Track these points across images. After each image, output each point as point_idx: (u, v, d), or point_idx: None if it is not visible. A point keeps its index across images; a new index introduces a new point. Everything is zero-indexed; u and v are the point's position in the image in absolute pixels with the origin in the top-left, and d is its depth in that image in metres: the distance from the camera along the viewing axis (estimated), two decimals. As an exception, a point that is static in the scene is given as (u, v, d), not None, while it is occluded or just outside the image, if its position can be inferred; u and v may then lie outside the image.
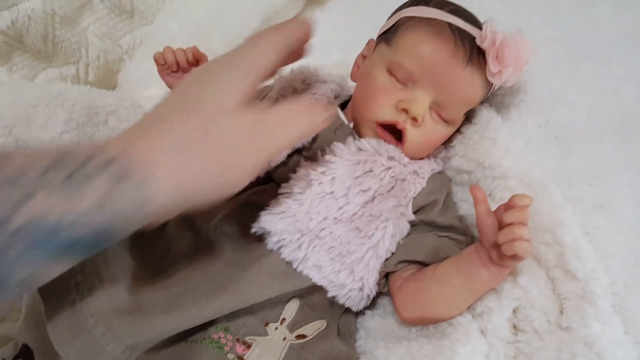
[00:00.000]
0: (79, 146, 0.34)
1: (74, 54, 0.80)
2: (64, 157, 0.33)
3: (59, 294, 0.51)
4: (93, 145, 0.34)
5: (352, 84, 0.71)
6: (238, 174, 0.38)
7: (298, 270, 0.54)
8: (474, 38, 0.57)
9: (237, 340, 0.52)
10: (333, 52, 0.81)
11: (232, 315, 0.53)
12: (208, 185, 0.37)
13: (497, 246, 0.48)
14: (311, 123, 0.42)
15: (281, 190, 0.57)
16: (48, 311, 0.50)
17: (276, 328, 0.54)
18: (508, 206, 0.48)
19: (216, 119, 0.37)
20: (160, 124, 0.37)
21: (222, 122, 0.37)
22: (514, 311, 0.54)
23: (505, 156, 0.58)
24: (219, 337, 0.52)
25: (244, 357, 0.51)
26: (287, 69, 0.69)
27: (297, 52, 0.45)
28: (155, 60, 0.65)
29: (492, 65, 0.56)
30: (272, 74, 0.42)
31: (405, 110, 0.58)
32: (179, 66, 0.64)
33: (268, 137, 0.39)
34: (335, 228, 0.56)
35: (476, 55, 0.57)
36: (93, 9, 0.82)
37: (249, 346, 0.52)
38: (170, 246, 0.59)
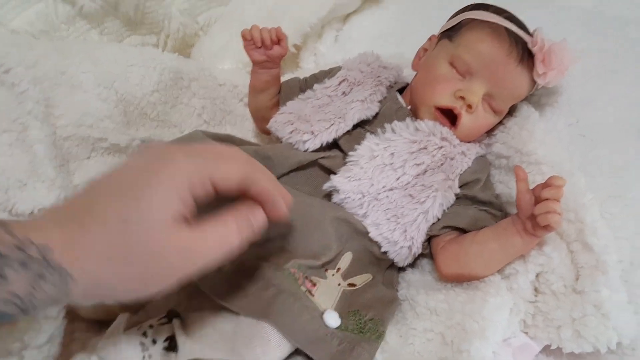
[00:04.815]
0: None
1: (157, 25, 0.89)
2: None
3: None
4: (11, 240, 0.34)
5: (406, 74, 0.80)
6: (157, 286, 0.38)
7: None
8: (526, 42, 0.66)
9: (306, 278, 0.61)
10: (389, 46, 0.90)
11: (302, 257, 0.62)
12: (127, 287, 0.38)
13: (532, 218, 0.57)
14: (234, 246, 0.42)
15: (349, 159, 0.66)
16: None
17: (333, 274, 0.64)
18: (545, 184, 0.56)
19: (149, 233, 0.36)
20: (93, 220, 0.36)
21: (155, 238, 0.37)
22: (537, 276, 0.62)
23: (540, 146, 0.67)
24: (294, 272, 0.61)
25: (312, 292, 0.60)
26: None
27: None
28: (243, 36, 0.72)
29: (539, 67, 0.65)
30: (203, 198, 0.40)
31: (462, 98, 0.66)
32: (263, 43, 0.72)
33: (195, 258, 0.39)
34: (391, 193, 0.65)
35: (526, 57, 0.66)
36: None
37: (314, 284, 0.61)
38: None
